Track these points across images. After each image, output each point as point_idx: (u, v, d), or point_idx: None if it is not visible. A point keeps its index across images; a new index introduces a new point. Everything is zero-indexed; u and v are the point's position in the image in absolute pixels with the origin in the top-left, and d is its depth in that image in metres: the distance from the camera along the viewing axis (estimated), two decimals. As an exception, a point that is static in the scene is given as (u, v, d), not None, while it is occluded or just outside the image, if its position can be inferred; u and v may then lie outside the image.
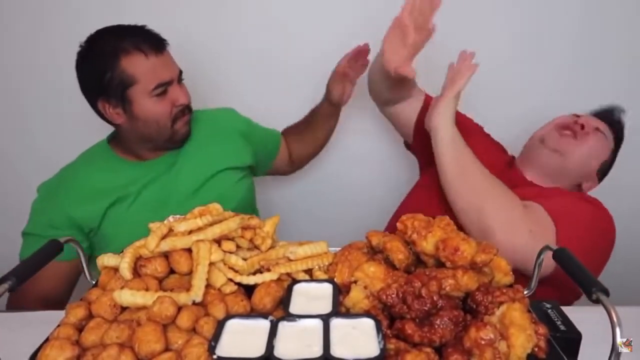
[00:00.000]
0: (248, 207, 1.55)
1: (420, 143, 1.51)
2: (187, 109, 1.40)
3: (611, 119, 1.46)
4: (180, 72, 1.39)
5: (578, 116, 1.45)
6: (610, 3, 1.74)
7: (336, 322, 0.75)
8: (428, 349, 0.70)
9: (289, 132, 1.75)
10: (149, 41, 1.30)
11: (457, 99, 1.28)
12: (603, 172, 1.47)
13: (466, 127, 1.48)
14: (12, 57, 1.78)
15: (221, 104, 1.64)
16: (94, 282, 0.91)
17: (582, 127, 1.39)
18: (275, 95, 1.87)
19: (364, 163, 1.96)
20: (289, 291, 0.83)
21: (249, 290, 0.84)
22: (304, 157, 1.80)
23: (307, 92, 1.75)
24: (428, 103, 1.49)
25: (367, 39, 1.53)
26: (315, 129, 1.72)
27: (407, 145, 1.67)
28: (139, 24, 1.34)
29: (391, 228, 1.35)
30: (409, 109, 1.53)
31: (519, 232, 1.12)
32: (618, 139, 1.47)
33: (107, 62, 1.28)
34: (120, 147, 1.45)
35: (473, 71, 1.24)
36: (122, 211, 1.38)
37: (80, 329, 0.77)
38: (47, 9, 1.73)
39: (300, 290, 0.84)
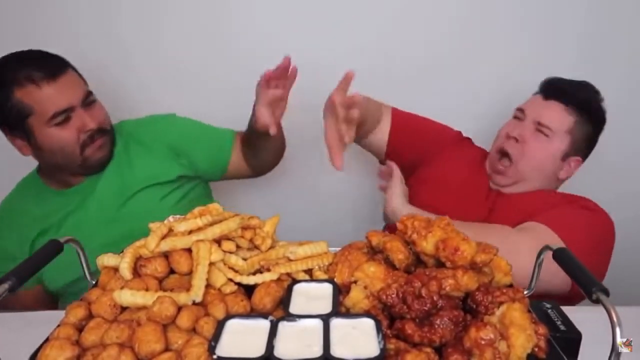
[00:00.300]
0: None
1: (394, 158, 1.52)
2: (98, 132, 1.34)
3: (566, 95, 1.42)
4: (88, 94, 1.33)
5: (522, 111, 1.45)
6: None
7: (336, 322, 0.75)
8: (428, 349, 0.70)
9: (241, 139, 1.57)
10: (42, 69, 1.26)
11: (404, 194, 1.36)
12: (582, 149, 1.45)
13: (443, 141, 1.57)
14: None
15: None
16: (94, 282, 0.91)
17: (517, 140, 1.41)
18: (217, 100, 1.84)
19: (363, 163, 1.96)
20: (289, 291, 0.83)
21: (249, 290, 0.84)
22: (262, 166, 1.63)
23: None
24: (397, 118, 1.55)
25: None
26: (259, 146, 1.52)
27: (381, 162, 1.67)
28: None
29: (390, 228, 1.36)
30: (380, 135, 1.56)
31: (521, 255, 1.01)
32: (582, 108, 1.41)
33: (2, 93, 1.25)
34: (45, 175, 1.43)
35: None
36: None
37: (80, 329, 0.77)
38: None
39: (300, 290, 0.84)
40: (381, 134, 1.55)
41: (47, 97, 1.26)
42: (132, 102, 1.77)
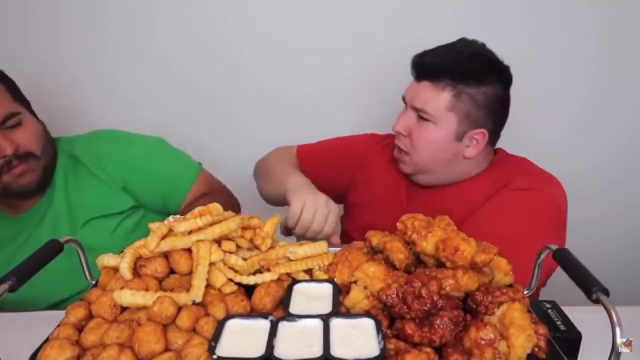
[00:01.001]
0: None
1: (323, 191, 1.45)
2: (16, 158, 1.25)
3: (430, 69, 1.26)
4: (10, 115, 1.24)
5: (404, 99, 1.32)
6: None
7: (336, 322, 0.75)
8: (428, 349, 0.70)
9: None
10: None
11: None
12: (480, 119, 1.26)
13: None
14: None
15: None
16: (93, 282, 0.91)
17: (404, 135, 1.31)
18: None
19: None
20: (289, 291, 0.83)
21: (249, 290, 0.84)
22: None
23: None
24: (302, 155, 1.52)
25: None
26: None
27: None
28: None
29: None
30: None
31: None
32: (454, 77, 1.23)
33: None
34: None
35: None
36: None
37: (80, 329, 0.77)
38: None
39: (300, 290, 0.84)
40: None
41: None
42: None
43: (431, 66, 1.25)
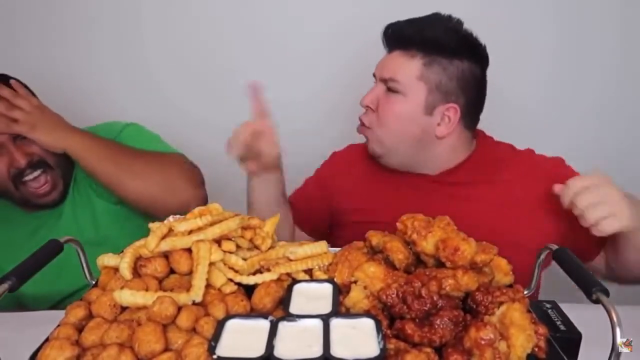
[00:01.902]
0: None
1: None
2: (30, 168, 1.28)
3: (402, 38, 1.24)
4: None
5: (374, 75, 1.28)
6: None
7: (336, 322, 0.74)
8: (428, 349, 0.70)
9: None
10: None
11: None
12: (452, 92, 1.22)
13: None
14: None
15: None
16: (93, 282, 0.91)
17: (372, 109, 1.26)
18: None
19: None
20: (289, 291, 0.83)
21: (249, 290, 0.84)
22: None
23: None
24: (292, 205, 1.45)
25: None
26: None
27: None
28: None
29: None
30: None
31: None
32: (427, 45, 1.20)
33: None
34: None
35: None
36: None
37: (80, 329, 0.77)
38: None
39: (300, 290, 0.84)
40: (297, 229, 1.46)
41: None
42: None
43: (404, 35, 1.22)
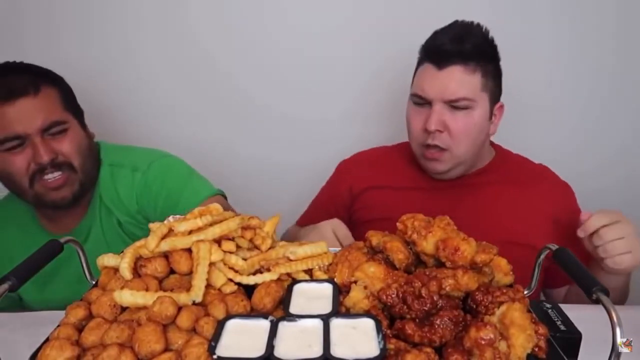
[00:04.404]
0: None
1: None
2: (53, 167, 1.22)
3: (453, 53, 1.24)
4: (54, 123, 1.22)
5: (421, 97, 1.27)
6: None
7: (336, 322, 0.74)
8: (428, 349, 0.70)
9: None
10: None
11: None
12: (497, 91, 1.31)
13: None
14: None
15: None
16: (94, 282, 0.91)
17: (440, 131, 1.26)
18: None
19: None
20: (289, 291, 0.83)
21: (249, 290, 0.84)
22: None
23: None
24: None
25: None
26: None
27: None
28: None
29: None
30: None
31: None
32: (479, 55, 1.25)
33: None
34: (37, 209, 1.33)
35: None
36: (37, 290, 1.28)
37: (80, 329, 0.77)
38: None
39: (300, 290, 0.84)
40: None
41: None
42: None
43: (457, 48, 1.23)
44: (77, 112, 1.33)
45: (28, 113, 1.19)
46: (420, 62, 1.32)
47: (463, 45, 1.22)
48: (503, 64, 1.33)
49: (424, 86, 1.26)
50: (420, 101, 1.28)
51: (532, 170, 1.42)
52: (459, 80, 1.23)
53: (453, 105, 1.24)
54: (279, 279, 0.86)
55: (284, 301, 0.81)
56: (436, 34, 1.27)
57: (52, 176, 1.23)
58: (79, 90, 1.36)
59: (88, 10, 1.75)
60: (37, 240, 1.14)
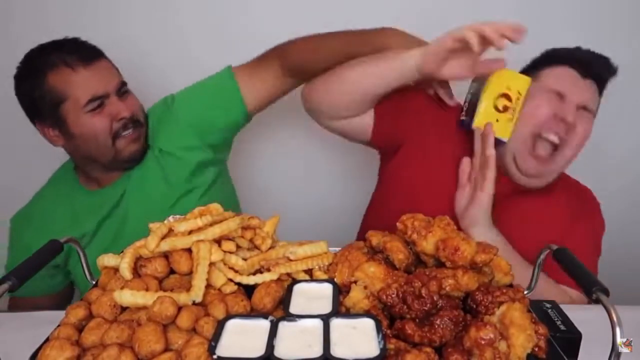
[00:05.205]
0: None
1: (381, 145, 1.47)
2: (131, 123, 1.31)
3: (593, 72, 1.31)
4: (123, 83, 1.31)
5: (560, 94, 1.28)
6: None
7: (336, 322, 0.74)
8: (428, 349, 0.70)
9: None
10: (76, 53, 1.23)
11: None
12: None
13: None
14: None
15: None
16: (94, 282, 0.91)
17: (566, 123, 1.26)
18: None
19: (364, 162, 1.95)
20: (289, 291, 0.83)
21: (249, 290, 0.84)
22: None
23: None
24: (379, 113, 1.39)
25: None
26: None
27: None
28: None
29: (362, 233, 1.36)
30: (361, 123, 1.40)
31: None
32: (601, 83, 1.33)
33: (35, 80, 1.23)
34: (80, 171, 1.39)
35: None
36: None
37: (80, 329, 0.77)
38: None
39: (300, 290, 0.84)
40: (363, 122, 1.39)
41: (83, 81, 1.23)
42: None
43: (599, 70, 1.31)
44: None
45: (106, 73, 1.28)
46: (552, 63, 1.35)
47: (604, 69, 1.32)
48: (519, 66, 1.36)
49: (567, 88, 1.30)
50: (556, 98, 1.31)
51: (587, 201, 1.45)
52: (593, 92, 1.32)
53: (580, 111, 1.28)
54: (279, 279, 0.86)
55: (284, 301, 0.81)
56: (578, 48, 1.34)
57: (128, 132, 1.31)
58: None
59: (79, 10, 1.74)
60: (79, 198, 1.37)
